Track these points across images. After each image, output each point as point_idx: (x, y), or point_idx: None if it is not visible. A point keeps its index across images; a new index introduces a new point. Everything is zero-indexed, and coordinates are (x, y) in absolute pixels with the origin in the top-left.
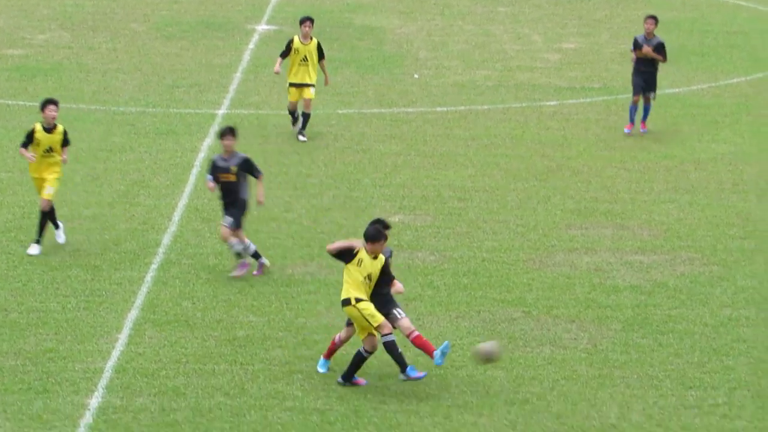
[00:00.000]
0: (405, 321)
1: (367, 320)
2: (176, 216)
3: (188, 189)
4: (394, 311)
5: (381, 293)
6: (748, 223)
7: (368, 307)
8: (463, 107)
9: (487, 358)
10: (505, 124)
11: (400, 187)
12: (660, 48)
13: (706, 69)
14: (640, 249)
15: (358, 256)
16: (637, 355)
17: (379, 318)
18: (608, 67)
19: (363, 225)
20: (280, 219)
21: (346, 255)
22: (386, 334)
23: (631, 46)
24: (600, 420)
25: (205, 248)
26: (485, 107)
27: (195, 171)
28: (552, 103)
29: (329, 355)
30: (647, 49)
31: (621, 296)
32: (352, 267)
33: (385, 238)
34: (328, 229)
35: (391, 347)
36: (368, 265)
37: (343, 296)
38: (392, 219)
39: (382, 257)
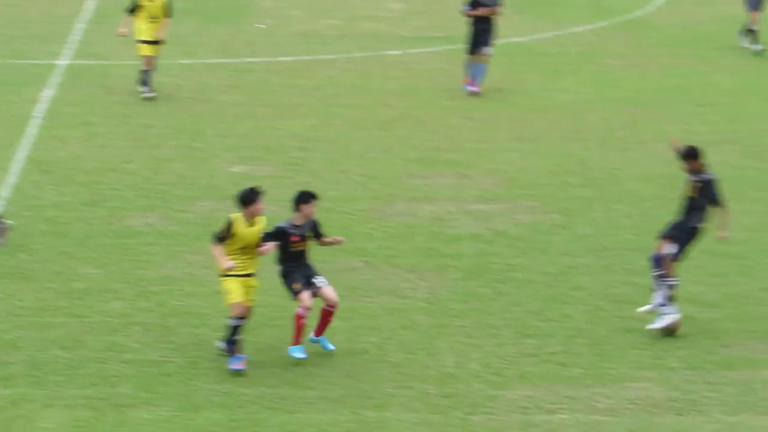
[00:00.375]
0: (329, 290)
1: (224, 294)
2: (15, 168)
3: (28, 140)
4: (315, 279)
5: (303, 264)
6: (588, 171)
7: (229, 284)
8: (306, 57)
9: (669, 330)
10: (349, 74)
11: (242, 138)
12: (498, 4)
13: (550, 17)
14: (482, 198)
15: (231, 230)
16: (476, 304)
17: (235, 298)
18: (452, 16)
19: (204, 176)
20: (119, 170)
21: (224, 238)
22: (236, 317)
23: (466, 7)
24: (438, 369)
25: (44, 200)
26: (329, 57)
27: (35, 122)
28: (396, 52)
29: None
30: (496, 9)
31: (461, 245)
32: (229, 240)
33: (259, 196)
34: (169, 180)
35: (233, 328)
36: (244, 235)
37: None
38: (232, 169)
39: (261, 222)
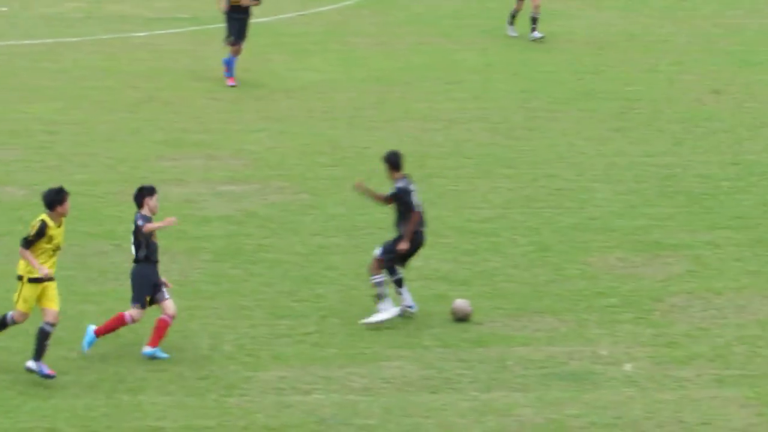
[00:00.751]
0: (170, 303)
1: (19, 300)
2: None
3: None
4: (163, 288)
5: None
6: (337, 151)
7: (30, 291)
8: (51, 40)
9: (461, 316)
10: (95, 56)
11: None
12: None
13: None
14: (231, 179)
15: (47, 233)
16: (228, 285)
17: (25, 307)
18: None
19: None
20: None
21: (37, 237)
22: (18, 323)
23: None
24: (192, 351)
25: None
26: (74, 39)
27: None
28: (141, 34)
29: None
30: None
31: (212, 227)
32: (42, 243)
33: (67, 195)
34: None
35: (43, 336)
36: (56, 235)
37: (19, 271)
38: None
39: (62, 221)
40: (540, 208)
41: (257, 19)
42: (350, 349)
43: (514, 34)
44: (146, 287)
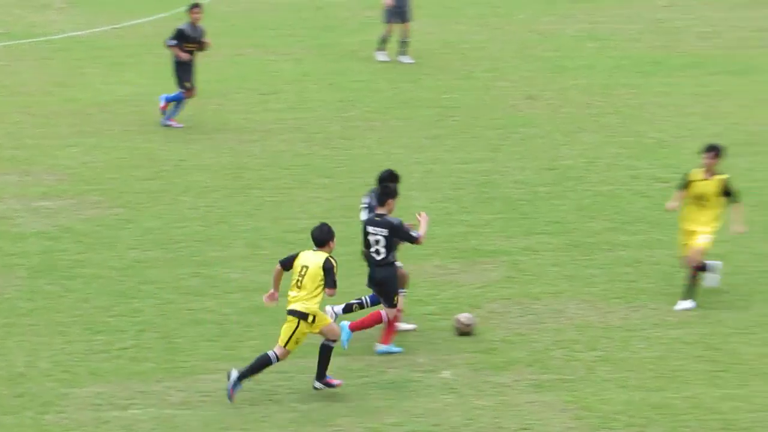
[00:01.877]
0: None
1: (329, 329)
2: None
3: None
4: None
5: None
6: (154, 164)
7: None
8: None
9: (464, 330)
10: None
11: None
12: (203, 34)
13: (107, 11)
14: (46, 194)
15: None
16: (43, 302)
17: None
18: (10, 12)
19: None
20: None
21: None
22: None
23: (173, 40)
24: (8, 369)
25: None
26: None
27: None
28: None
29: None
30: (206, 41)
31: (27, 243)
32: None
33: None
34: None
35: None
36: None
37: (306, 310)
38: None
39: None
40: (357, 217)
41: (71, 33)
42: (168, 363)
43: (386, 59)
44: (397, 286)
